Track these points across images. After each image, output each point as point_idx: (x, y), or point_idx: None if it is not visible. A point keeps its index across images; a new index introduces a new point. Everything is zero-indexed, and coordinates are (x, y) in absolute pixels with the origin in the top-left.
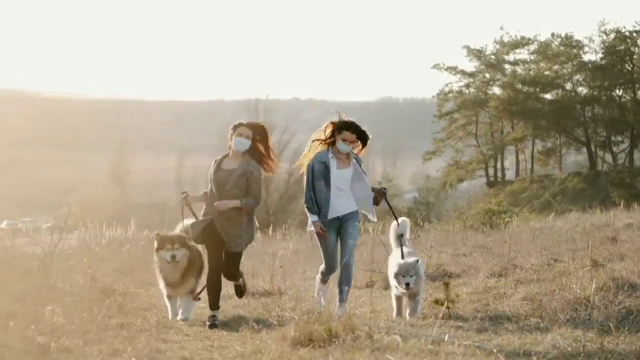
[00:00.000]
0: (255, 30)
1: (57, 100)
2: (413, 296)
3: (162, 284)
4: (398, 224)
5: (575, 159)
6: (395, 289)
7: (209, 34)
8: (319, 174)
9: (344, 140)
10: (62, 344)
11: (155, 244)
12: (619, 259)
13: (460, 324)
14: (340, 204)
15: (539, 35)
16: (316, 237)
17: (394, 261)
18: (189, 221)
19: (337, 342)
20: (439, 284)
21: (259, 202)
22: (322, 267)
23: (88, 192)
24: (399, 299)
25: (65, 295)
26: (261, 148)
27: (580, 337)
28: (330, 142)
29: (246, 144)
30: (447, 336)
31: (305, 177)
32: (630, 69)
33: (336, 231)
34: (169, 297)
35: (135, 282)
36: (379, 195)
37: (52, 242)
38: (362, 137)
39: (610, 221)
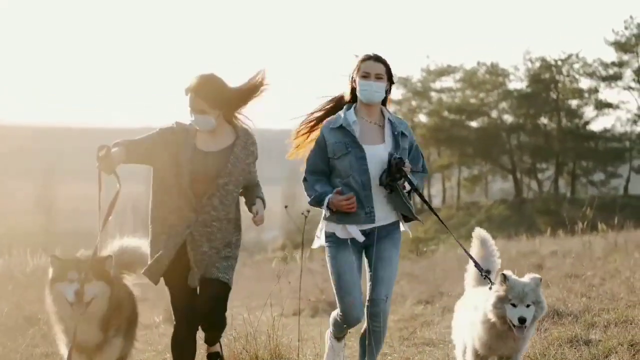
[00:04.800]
0: (180, 57)
1: None
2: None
3: (62, 344)
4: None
5: (501, 186)
6: (467, 343)
7: (136, 60)
8: (338, 147)
9: (366, 75)
10: None
11: (50, 272)
12: (544, 286)
13: (387, 351)
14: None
15: (465, 63)
16: (327, 259)
17: (474, 299)
18: (131, 241)
19: None
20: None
21: None
22: (336, 312)
23: (13, 219)
24: None
25: None
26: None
27: None
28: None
29: (211, 123)
30: None
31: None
32: (555, 97)
33: (359, 253)
34: None
35: None
36: (394, 169)
37: None
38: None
39: (536, 248)
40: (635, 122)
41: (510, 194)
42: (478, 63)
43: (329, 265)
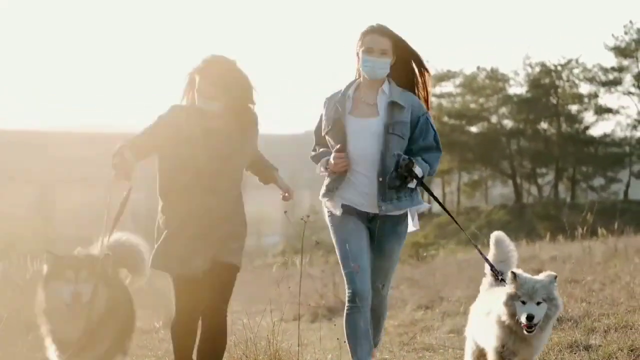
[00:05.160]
0: (181, 60)
1: None
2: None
3: (50, 349)
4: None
5: (501, 191)
6: (486, 348)
7: (137, 66)
8: (327, 122)
9: (369, 50)
10: None
11: (45, 269)
12: None
13: (387, 356)
14: (365, 184)
15: (465, 68)
16: (331, 230)
17: (487, 299)
18: (121, 236)
19: None
20: None
21: None
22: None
23: (13, 224)
24: None
25: None
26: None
27: None
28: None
29: (219, 107)
30: None
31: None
32: (555, 102)
33: (364, 225)
34: None
35: None
36: (403, 170)
37: None
38: (412, 55)
39: (536, 253)
40: (635, 127)
41: (510, 199)
42: (478, 68)
43: (332, 235)
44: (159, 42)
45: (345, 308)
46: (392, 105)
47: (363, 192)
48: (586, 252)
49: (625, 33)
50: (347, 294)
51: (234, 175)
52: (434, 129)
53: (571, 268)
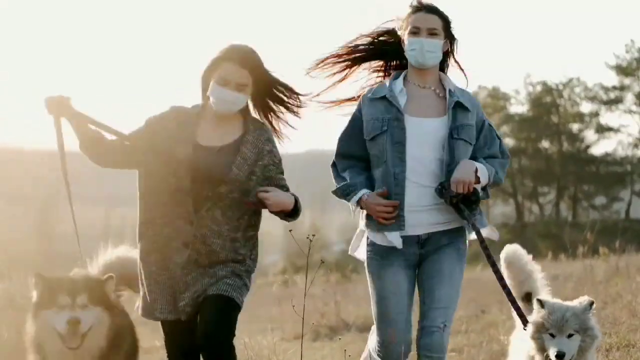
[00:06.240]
0: (174, 80)
1: None
2: None
3: None
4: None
5: (502, 210)
6: None
7: (129, 87)
8: (374, 125)
9: (415, 31)
10: None
11: (35, 295)
12: None
13: None
14: (419, 198)
15: (466, 87)
16: (368, 276)
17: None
18: (121, 251)
19: None
20: (365, 337)
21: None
22: (373, 344)
23: (13, 243)
24: None
25: None
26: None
27: None
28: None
29: (242, 100)
30: None
31: (338, 141)
32: (556, 121)
33: (411, 269)
34: None
35: None
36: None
37: None
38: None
39: None
40: (636, 145)
41: (511, 218)
42: (479, 87)
43: (369, 283)
44: (155, 62)
45: (375, 351)
46: (458, 105)
47: (418, 208)
48: (588, 270)
49: (627, 52)
50: (377, 342)
51: (225, 206)
52: (499, 138)
53: (573, 287)
